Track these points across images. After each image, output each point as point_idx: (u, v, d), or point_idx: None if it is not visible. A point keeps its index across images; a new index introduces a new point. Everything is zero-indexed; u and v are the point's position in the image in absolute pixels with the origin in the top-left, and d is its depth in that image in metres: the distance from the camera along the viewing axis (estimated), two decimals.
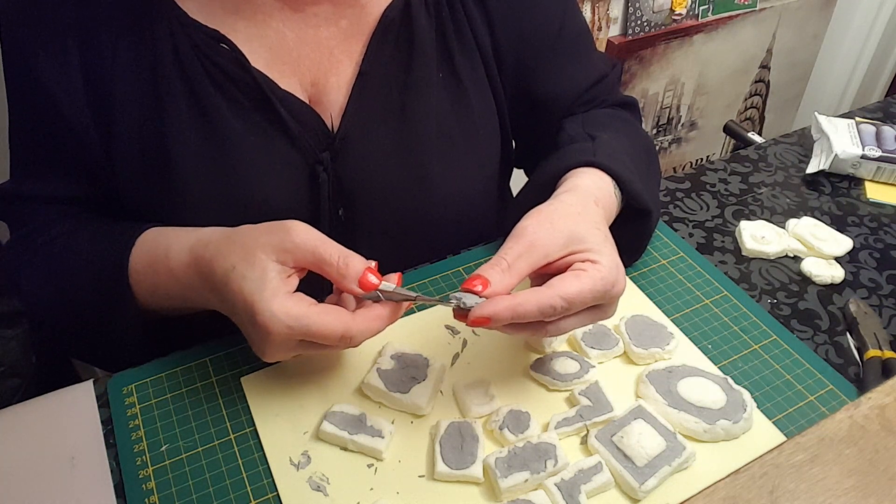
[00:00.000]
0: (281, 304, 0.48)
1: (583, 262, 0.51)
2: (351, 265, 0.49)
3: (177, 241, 0.57)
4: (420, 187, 0.66)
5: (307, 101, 0.62)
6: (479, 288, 0.49)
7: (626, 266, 0.68)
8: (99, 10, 0.57)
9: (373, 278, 0.50)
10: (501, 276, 0.50)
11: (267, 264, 0.49)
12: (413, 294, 0.51)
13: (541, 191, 0.61)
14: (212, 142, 0.60)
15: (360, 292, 0.50)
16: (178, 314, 0.61)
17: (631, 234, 0.64)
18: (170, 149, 0.59)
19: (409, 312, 0.63)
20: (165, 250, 0.57)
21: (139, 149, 0.60)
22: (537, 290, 0.49)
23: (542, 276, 0.54)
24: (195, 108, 0.59)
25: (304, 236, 0.50)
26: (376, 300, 0.51)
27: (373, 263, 0.51)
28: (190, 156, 0.60)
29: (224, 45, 0.59)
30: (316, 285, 0.53)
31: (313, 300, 0.50)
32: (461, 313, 0.50)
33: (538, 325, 0.50)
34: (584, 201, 0.56)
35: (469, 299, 0.49)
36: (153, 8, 0.58)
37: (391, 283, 0.51)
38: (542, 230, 0.52)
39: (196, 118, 0.59)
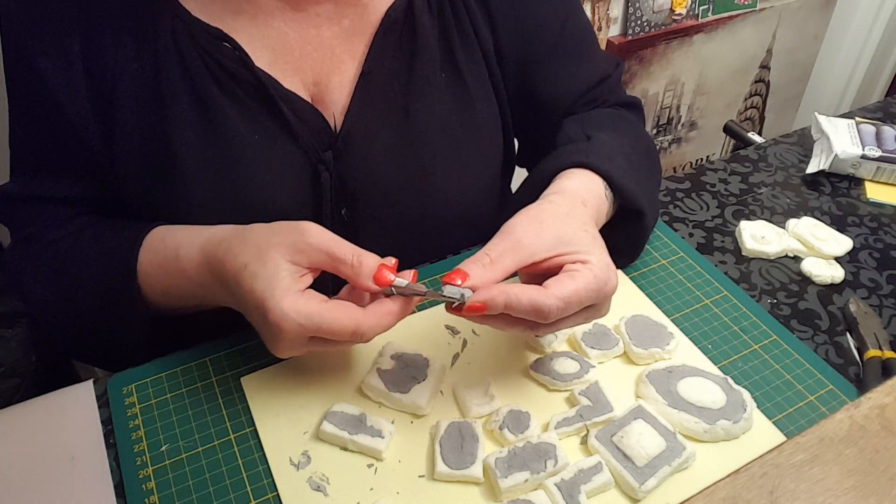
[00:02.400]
0: (292, 302, 0.48)
1: (574, 262, 0.51)
2: (365, 263, 0.50)
3: (186, 241, 0.57)
4: (423, 187, 0.66)
5: (310, 101, 0.62)
6: (458, 282, 0.49)
7: (623, 267, 0.68)
8: (101, 8, 0.57)
9: (388, 274, 0.50)
10: (482, 271, 0.50)
11: (280, 263, 0.49)
12: (424, 289, 0.51)
13: (535, 190, 0.61)
14: (214, 141, 0.60)
15: (376, 289, 0.50)
16: (189, 312, 0.61)
17: (626, 234, 0.64)
18: (172, 148, 0.59)
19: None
20: (175, 251, 0.57)
21: (141, 148, 0.60)
22: (534, 287, 0.49)
23: (530, 275, 0.54)
24: (197, 107, 0.59)
25: (318, 237, 0.50)
26: (388, 295, 0.51)
27: (392, 261, 0.51)
28: (192, 155, 0.60)
29: (226, 44, 0.58)
30: (323, 284, 0.53)
31: (324, 297, 0.50)
32: (454, 308, 0.50)
33: (533, 321, 0.50)
34: (572, 202, 0.56)
35: (468, 293, 0.49)
36: (154, 5, 0.57)
37: (406, 279, 0.51)
38: (530, 229, 0.52)
39: (198, 117, 0.59)
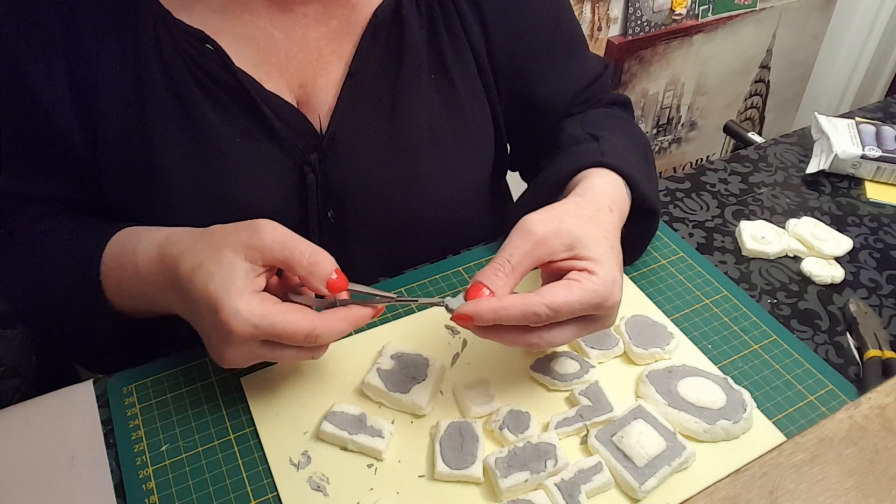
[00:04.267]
0: (246, 302, 0.47)
1: (580, 270, 0.51)
2: (321, 263, 0.49)
3: (146, 239, 0.55)
4: (410, 189, 0.66)
5: (294, 103, 0.62)
6: (486, 293, 0.50)
7: (626, 265, 0.68)
8: (84, 12, 0.57)
9: (340, 279, 0.49)
10: (506, 281, 0.50)
11: (235, 262, 0.48)
12: (390, 295, 0.51)
13: (547, 193, 0.60)
14: (196, 144, 0.59)
15: (327, 293, 0.49)
16: (145, 317, 0.60)
17: (636, 233, 0.64)
18: (153, 151, 0.59)
19: (410, 312, 0.63)
20: (134, 247, 0.55)
21: (124, 151, 0.59)
22: (524, 295, 0.49)
23: (543, 273, 0.53)
24: (179, 110, 0.59)
25: (273, 233, 0.49)
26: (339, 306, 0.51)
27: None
28: (174, 158, 0.59)
29: (208, 46, 0.58)
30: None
31: (278, 299, 0.49)
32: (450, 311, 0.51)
33: (524, 330, 0.50)
34: (599, 206, 0.56)
35: (453, 302, 0.50)
36: (136, 7, 0.57)
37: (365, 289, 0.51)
38: (549, 227, 0.52)
39: (180, 120, 0.59)
